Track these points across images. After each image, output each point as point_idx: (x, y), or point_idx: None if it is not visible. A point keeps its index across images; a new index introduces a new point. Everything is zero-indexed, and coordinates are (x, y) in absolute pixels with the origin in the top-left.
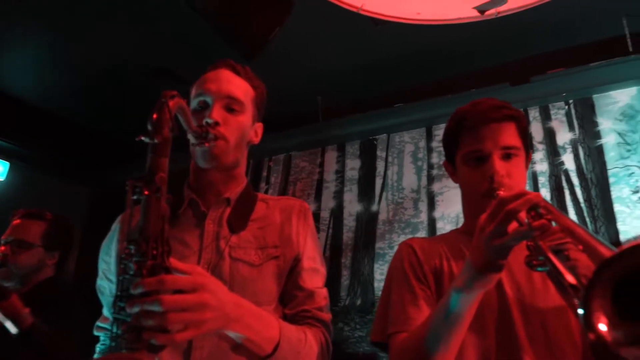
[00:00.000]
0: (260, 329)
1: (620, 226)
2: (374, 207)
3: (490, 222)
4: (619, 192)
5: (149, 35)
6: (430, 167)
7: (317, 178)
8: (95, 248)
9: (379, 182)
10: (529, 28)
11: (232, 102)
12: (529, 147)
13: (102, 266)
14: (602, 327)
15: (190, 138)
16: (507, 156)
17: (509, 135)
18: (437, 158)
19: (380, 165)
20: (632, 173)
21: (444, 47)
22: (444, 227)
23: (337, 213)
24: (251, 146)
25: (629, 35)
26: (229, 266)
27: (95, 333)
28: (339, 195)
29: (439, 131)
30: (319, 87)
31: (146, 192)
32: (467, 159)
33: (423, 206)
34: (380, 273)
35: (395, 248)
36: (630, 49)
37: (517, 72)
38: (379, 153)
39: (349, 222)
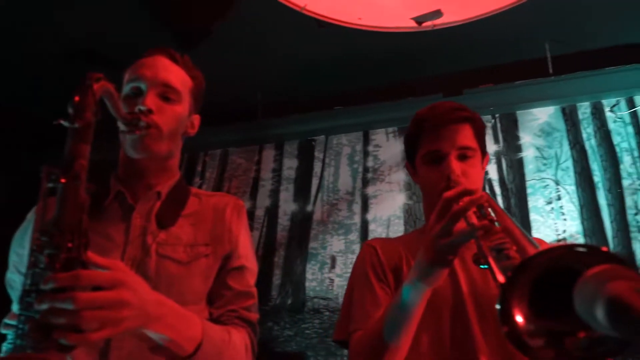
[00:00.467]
0: (182, 328)
1: (535, 233)
2: (309, 207)
3: (437, 221)
4: (535, 202)
5: (79, 14)
6: (366, 170)
7: (253, 176)
8: (7, 239)
9: (315, 182)
10: (462, 43)
11: (168, 90)
12: (485, 149)
13: (13, 258)
14: (519, 319)
15: (120, 125)
16: (463, 156)
17: (465, 137)
18: (373, 162)
19: (317, 166)
20: (547, 185)
21: (383, 55)
22: (376, 229)
23: (272, 212)
24: (186, 139)
25: (550, 58)
26: (155, 263)
27: (2, 331)
28: (274, 194)
29: (376, 136)
30: (260, 84)
31: (63, 180)
32: (426, 160)
33: (357, 208)
34: (312, 273)
35: (328, 248)
36: (551, 71)
37: (450, 84)
38: (316, 154)
39: (284, 221)
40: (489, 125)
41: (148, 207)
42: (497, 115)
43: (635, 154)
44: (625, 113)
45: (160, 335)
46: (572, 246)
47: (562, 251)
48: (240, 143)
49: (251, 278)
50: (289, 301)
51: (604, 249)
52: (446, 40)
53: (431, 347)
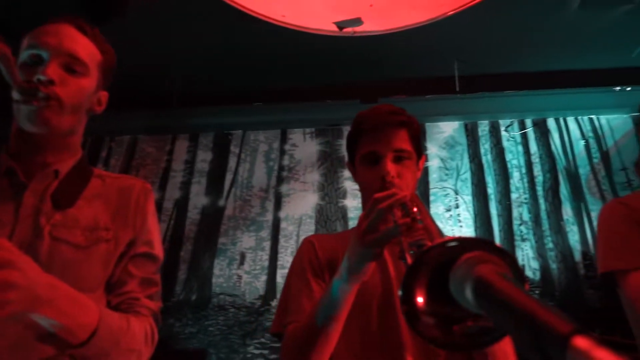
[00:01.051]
0: (75, 314)
1: None
2: (221, 202)
3: (365, 218)
4: (436, 209)
5: None
6: (281, 168)
7: (163, 166)
8: None
9: (229, 177)
10: (380, 54)
11: (73, 62)
12: (420, 152)
13: None
14: (419, 300)
15: (14, 94)
16: (398, 159)
17: (401, 140)
18: (288, 160)
19: (232, 161)
20: (447, 194)
21: (305, 56)
22: (287, 227)
23: (182, 204)
24: (91, 122)
25: (457, 77)
26: (49, 246)
27: None
28: (185, 186)
29: (293, 135)
30: (178, 71)
31: None
32: (364, 160)
33: (270, 205)
34: (219, 269)
35: (238, 244)
36: (457, 89)
37: (367, 92)
38: (232, 148)
39: (193, 214)
40: None
41: (43, 186)
42: None
43: (523, 170)
44: (517, 133)
45: (50, 320)
46: (462, 239)
47: (455, 243)
48: (151, 131)
49: (154, 266)
50: (194, 297)
51: (486, 240)
52: (365, 49)
53: (360, 335)
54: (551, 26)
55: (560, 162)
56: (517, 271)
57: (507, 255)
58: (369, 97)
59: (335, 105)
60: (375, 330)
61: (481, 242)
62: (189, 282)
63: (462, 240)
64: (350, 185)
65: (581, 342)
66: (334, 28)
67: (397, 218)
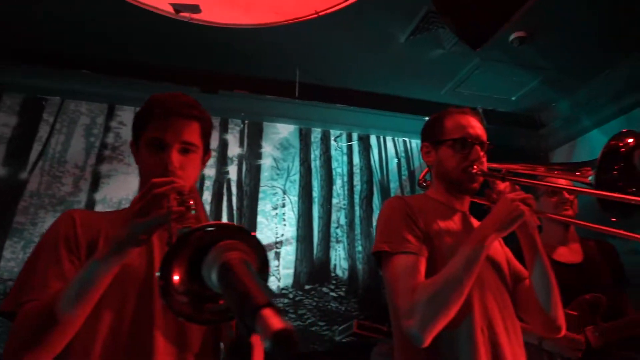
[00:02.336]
0: None
1: (259, 234)
2: (23, 175)
3: (139, 201)
4: (264, 206)
5: None
6: (104, 146)
7: None
8: None
9: (37, 148)
10: (226, 47)
11: None
12: (208, 149)
13: None
14: (176, 278)
15: None
16: (185, 150)
17: (192, 133)
18: (113, 139)
19: (43, 130)
20: (276, 193)
21: (148, 34)
22: (104, 210)
23: None
24: None
25: (298, 82)
26: None
27: None
28: None
29: (122, 112)
30: None
31: None
32: (150, 145)
33: (85, 185)
34: (12, 251)
35: (39, 225)
36: (297, 94)
37: (208, 81)
38: (45, 116)
39: None
40: (237, 129)
41: None
42: (246, 121)
43: (345, 179)
44: (344, 145)
45: None
46: (221, 224)
47: (213, 228)
48: None
49: None
50: None
51: (243, 228)
52: (212, 39)
53: (110, 322)
54: (382, 53)
55: (377, 175)
56: (263, 259)
57: (257, 244)
58: (209, 86)
59: (172, 89)
60: (128, 319)
61: (239, 230)
62: None
63: (221, 227)
64: None
65: (267, 312)
66: (170, 9)
67: (171, 205)
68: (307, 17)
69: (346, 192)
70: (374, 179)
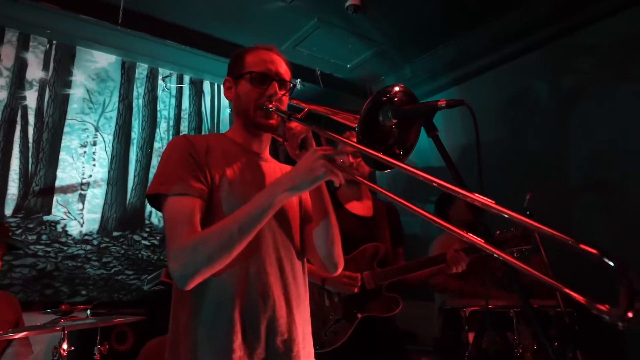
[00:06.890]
0: None
1: (60, 173)
2: None
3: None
4: (69, 143)
5: None
6: None
7: None
8: None
9: None
10: None
11: None
12: None
13: None
14: None
15: None
16: None
17: None
18: None
19: None
20: (87, 129)
21: None
22: None
23: None
24: None
25: (123, 8)
26: None
27: None
28: None
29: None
30: None
31: None
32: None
33: None
34: None
35: None
36: (120, 21)
37: None
38: None
39: None
40: (41, 48)
41: None
42: (54, 41)
43: (172, 123)
44: (173, 86)
45: None
46: None
47: None
48: None
49: None
50: None
51: None
52: None
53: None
54: None
55: (207, 123)
56: None
57: None
58: None
59: None
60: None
61: None
62: None
63: None
64: None
65: None
66: None
67: None
68: None
69: (171, 137)
70: (203, 126)
